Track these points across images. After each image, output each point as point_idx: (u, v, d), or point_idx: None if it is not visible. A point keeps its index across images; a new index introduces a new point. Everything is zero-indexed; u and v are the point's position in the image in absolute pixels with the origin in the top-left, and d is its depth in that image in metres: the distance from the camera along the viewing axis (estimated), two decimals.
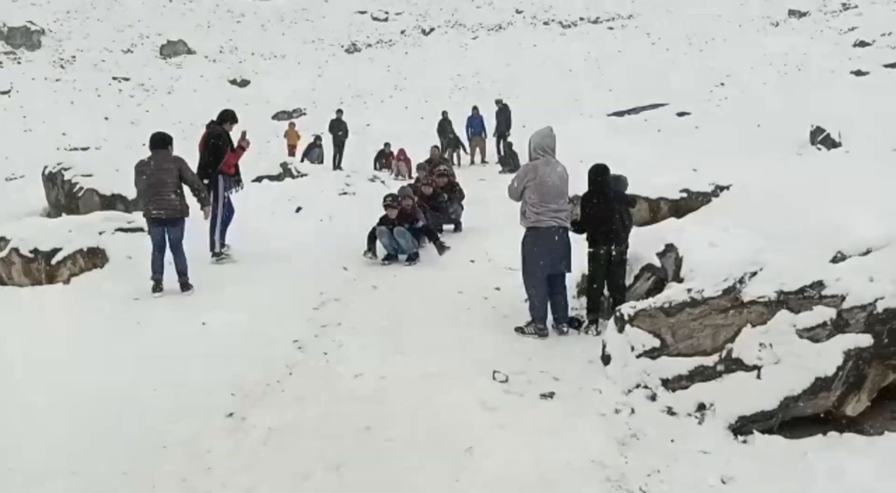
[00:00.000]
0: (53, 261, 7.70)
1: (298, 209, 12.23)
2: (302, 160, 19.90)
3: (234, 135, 9.22)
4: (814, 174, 9.08)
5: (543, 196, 6.23)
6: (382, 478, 3.58)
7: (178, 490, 3.47)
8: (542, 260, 6.27)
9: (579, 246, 6.90)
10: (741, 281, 4.43)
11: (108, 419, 4.30)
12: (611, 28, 42.51)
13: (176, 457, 3.83)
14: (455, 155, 20.88)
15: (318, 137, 21.78)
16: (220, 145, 8.71)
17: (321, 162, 20.63)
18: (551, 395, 4.73)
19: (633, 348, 4.86)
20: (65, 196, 12.98)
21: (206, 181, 8.38)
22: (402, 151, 19.26)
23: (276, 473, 3.63)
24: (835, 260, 4.61)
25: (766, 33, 36.29)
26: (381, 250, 9.33)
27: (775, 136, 16.51)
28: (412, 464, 3.71)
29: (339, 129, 20.57)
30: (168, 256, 7.58)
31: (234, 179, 9.15)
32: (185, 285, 7.51)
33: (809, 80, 25.75)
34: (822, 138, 15.56)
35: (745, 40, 35.10)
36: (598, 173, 6.57)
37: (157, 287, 7.41)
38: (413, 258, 9.18)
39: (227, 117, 9.01)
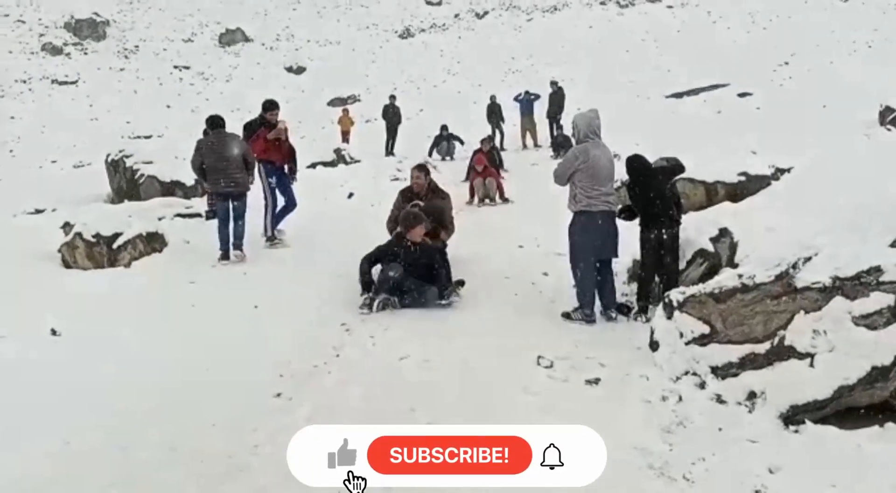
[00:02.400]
0: (115, 245, 8.00)
1: (350, 195, 12.41)
2: (430, 154, 18.71)
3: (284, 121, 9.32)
4: (880, 156, 8.68)
5: (594, 179, 6.14)
6: None
7: (224, 466, 3.57)
8: (591, 245, 6.19)
9: (629, 232, 6.80)
10: (794, 266, 4.28)
11: (161, 397, 4.45)
12: (670, 7, 41.41)
13: (224, 434, 3.93)
14: (499, 138, 20.68)
15: (444, 128, 19.96)
16: (247, 134, 8.96)
17: (451, 157, 19.08)
18: (597, 381, 4.68)
19: (681, 335, 4.75)
20: (126, 183, 13.42)
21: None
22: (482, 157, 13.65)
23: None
24: (894, 245, 4.39)
25: (833, 10, 34.75)
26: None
27: (841, 116, 15.87)
28: None
29: (392, 114, 20.66)
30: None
31: (289, 168, 9.26)
32: (237, 247, 8.27)
33: (879, 59, 24.59)
34: (892, 119, 14.88)
35: (811, 18, 33.69)
36: (633, 164, 6.44)
37: (225, 256, 8.18)
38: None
39: (266, 106, 9.14)
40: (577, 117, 6.39)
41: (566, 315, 6.20)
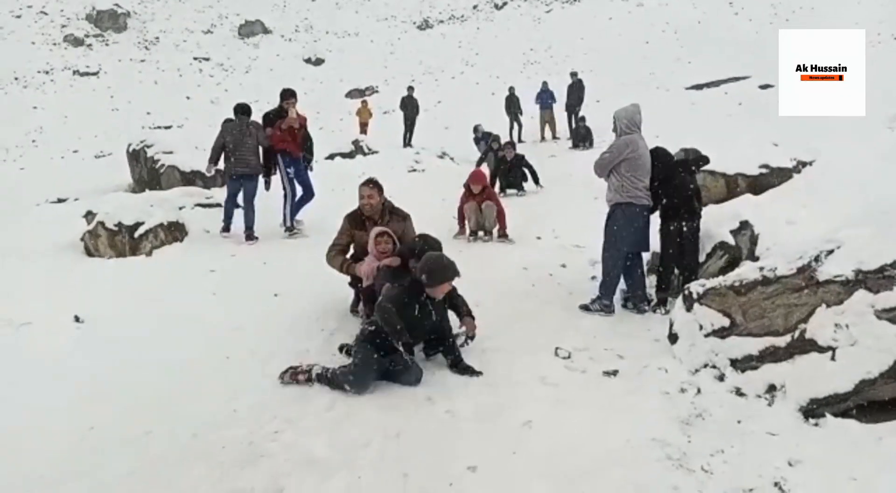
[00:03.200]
0: (136, 234, 8.09)
1: None
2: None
3: (301, 112, 9.36)
4: None
5: (638, 171, 6.12)
6: (440, 447, 3.62)
7: (245, 452, 3.61)
8: (631, 237, 6.16)
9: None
10: (817, 259, 4.24)
11: (182, 383, 4.51)
12: None
13: (244, 421, 3.98)
14: (517, 130, 20.61)
15: (476, 129, 18.45)
16: (266, 123, 9.12)
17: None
18: (615, 373, 4.67)
19: (701, 327, 4.73)
20: (147, 172, 13.55)
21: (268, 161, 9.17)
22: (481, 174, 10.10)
23: (337, 439, 3.73)
24: None
25: (858, 1, 34.17)
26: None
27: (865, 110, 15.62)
28: (470, 435, 3.74)
29: (410, 106, 20.65)
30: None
31: (306, 158, 9.35)
32: (250, 237, 8.78)
33: None
34: None
35: (834, 9, 33.17)
36: (655, 155, 6.38)
37: (226, 229, 8.98)
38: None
39: (284, 95, 9.20)
40: (620, 111, 6.32)
41: (584, 307, 6.18)
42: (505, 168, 12.50)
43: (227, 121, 9.15)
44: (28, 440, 3.82)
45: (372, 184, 6.14)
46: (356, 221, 6.13)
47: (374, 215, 6.06)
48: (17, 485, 3.41)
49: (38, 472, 3.49)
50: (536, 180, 12.38)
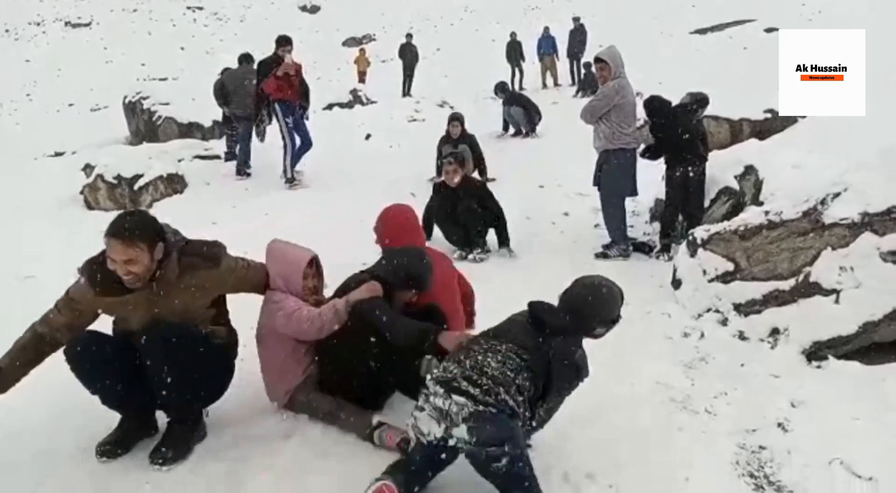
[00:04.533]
0: (136, 187, 8.06)
1: (368, 136, 12.32)
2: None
3: (300, 60, 9.20)
4: None
5: (627, 117, 6.13)
6: None
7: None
8: (627, 181, 6.20)
9: (651, 171, 6.71)
10: (823, 202, 4.21)
11: None
12: None
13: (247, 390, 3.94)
14: (519, 78, 20.30)
15: (502, 88, 13.55)
16: (259, 71, 9.08)
17: (528, 130, 12.48)
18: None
19: (705, 273, 4.73)
20: (144, 125, 13.44)
21: (259, 109, 9.22)
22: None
23: None
24: None
25: None
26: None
27: (871, 53, 15.34)
28: None
29: (409, 54, 20.29)
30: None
31: (301, 106, 9.19)
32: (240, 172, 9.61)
33: None
34: None
35: None
36: (651, 105, 6.33)
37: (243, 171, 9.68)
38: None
39: (279, 42, 8.98)
40: (608, 52, 6.20)
41: (602, 255, 6.17)
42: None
43: (226, 69, 9.59)
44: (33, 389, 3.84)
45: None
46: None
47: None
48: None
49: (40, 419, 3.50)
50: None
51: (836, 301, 3.93)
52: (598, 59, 6.23)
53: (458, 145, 8.94)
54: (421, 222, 5.11)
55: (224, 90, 9.93)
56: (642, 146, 6.53)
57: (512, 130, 12.60)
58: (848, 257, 3.95)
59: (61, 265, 5.67)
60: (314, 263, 3.54)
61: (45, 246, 6.21)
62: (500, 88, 13.24)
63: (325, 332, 3.18)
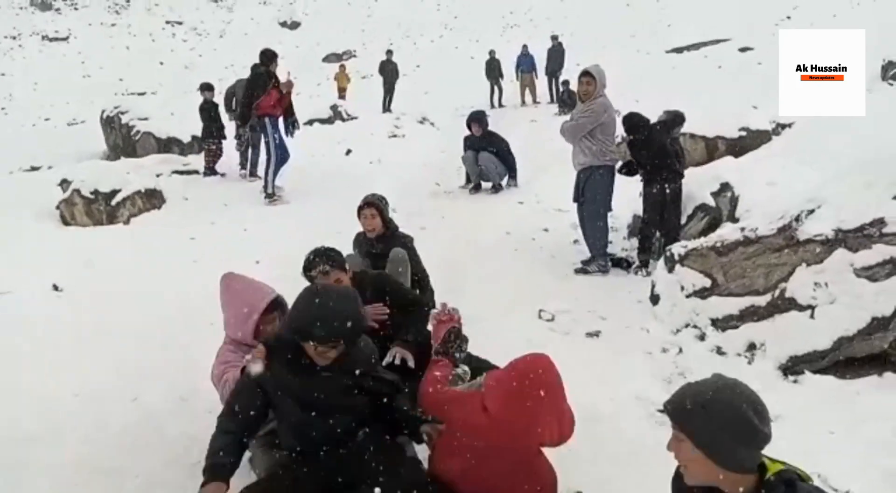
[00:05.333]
0: (113, 202, 7.96)
1: (349, 152, 12.31)
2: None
3: (282, 74, 9.21)
4: (882, 111, 8.61)
5: (611, 134, 6.26)
6: None
7: None
8: (609, 197, 6.31)
9: (629, 187, 6.79)
10: (797, 219, 4.29)
11: (166, 350, 4.48)
12: None
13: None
14: (498, 95, 20.45)
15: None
16: (254, 86, 8.86)
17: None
18: (597, 334, 4.73)
19: (682, 288, 4.79)
20: (122, 139, 13.34)
21: (247, 123, 9.10)
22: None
23: None
24: None
25: None
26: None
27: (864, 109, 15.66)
28: None
29: (389, 71, 20.36)
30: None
31: (290, 122, 9.22)
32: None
33: (883, 11, 24.22)
34: (893, 73, 14.71)
35: None
36: (631, 121, 6.42)
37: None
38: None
39: (270, 57, 8.97)
40: (597, 69, 6.28)
41: (581, 270, 6.21)
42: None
43: (239, 80, 10.22)
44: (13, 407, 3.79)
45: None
46: None
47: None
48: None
49: (28, 439, 3.47)
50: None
51: (812, 317, 3.99)
52: (586, 73, 6.28)
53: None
54: None
55: (235, 99, 10.30)
56: (619, 163, 6.62)
57: (486, 183, 9.74)
58: (822, 273, 4.02)
59: (37, 281, 5.62)
60: (276, 304, 3.13)
61: (20, 261, 6.12)
62: (476, 119, 9.70)
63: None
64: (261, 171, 9.39)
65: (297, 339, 2.57)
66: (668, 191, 6.27)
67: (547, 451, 2.68)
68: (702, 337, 4.50)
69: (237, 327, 3.05)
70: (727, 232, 4.78)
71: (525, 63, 20.26)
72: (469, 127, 9.70)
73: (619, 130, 6.80)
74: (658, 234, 6.46)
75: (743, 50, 21.20)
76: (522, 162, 10.78)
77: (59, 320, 4.95)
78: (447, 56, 31.95)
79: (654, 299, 5.06)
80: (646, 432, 3.35)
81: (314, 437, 2.67)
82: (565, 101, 17.69)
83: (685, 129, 7.49)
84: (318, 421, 2.64)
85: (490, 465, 2.52)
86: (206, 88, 10.95)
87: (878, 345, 3.84)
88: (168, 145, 12.78)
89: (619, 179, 6.53)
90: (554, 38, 20.43)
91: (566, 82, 18.28)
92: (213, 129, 10.68)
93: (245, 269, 6.17)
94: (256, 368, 2.60)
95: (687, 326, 4.64)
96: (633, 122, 6.47)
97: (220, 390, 2.90)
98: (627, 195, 6.82)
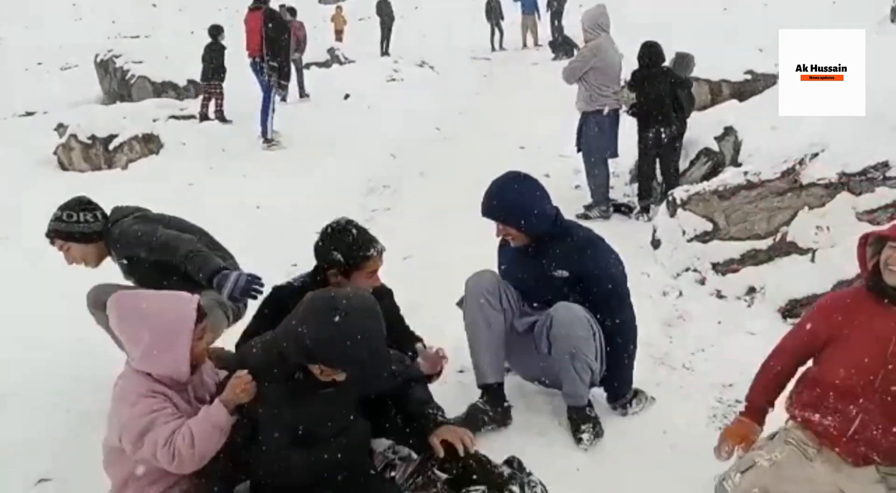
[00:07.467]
0: (111, 147, 7.90)
1: (346, 96, 12.15)
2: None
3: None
4: (889, 54, 8.46)
5: (607, 78, 6.13)
6: None
7: None
8: (606, 142, 6.23)
9: (630, 131, 6.72)
10: (801, 163, 4.26)
11: None
12: None
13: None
14: (498, 37, 20.02)
15: None
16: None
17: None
18: None
19: (684, 233, 4.79)
20: (118, 84, 13.17)
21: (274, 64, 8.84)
22: None
23: None
24: None
25: None
26: None
27: (852, 12, 15.33)
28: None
29: (385, 12, 19.88)
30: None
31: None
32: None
33: None
34: None
35: None
36: (648, 52, 6.24)
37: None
38: None
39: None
40: (583, 15, 6.22)
41: (583, 215, 6.19)
42: None
43: None
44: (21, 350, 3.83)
45: None
46: None
47: None
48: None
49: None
50: None
51: (812, 260, 4.01)
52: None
53: None
54: None
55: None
56: (623, 107, 6.52)
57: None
58: (825, 216, 4.02)
59: (36, 227, 5.60)
60: (200, 312, 2.28)
61: (19, 207, 6.10)
62: None
63: (205, 458, 2.16)
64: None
65: (304, 362, 2.16)
66: (663, 134, 6.18)
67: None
68: (702, 281, 4.53)
69: (163, 356, 2.18)
70: (730, 176, 4.75)
71: (527, 5, 19.76)
72: None
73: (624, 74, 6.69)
74: (660, 178, 6.43)
75: None
76: (524, 107, 10.67)
77: (57, 273, 4.95)
78: None
79: (656, 243, 5.07)
80: (644, 373, 3.38)
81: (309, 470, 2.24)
82: (558, 45, 17.13)
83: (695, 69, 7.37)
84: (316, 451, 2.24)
85: None
86: (217, 30, 10.73)
87: None
88: (164, 89, 12.62)
89: (625, 124, 6.45)
90: None
91: (561, 28, 17.83)
92: (219, 71, 10.43)
93: (246, 215, 6.22)
94: (249, 387, 2.17)
95: (687, 270, 4.67)
96: (640, 53, 6.31)
97: (167, 458, 2.11)
98: (632, 140, 6.76)
